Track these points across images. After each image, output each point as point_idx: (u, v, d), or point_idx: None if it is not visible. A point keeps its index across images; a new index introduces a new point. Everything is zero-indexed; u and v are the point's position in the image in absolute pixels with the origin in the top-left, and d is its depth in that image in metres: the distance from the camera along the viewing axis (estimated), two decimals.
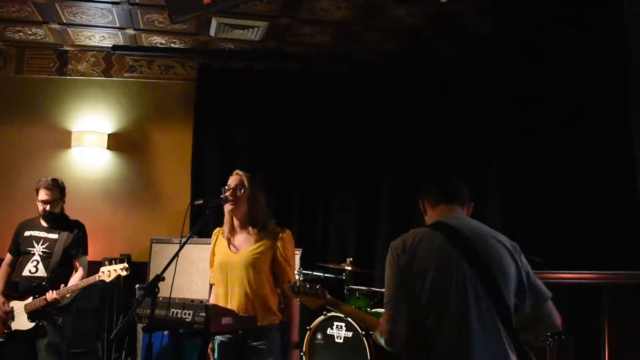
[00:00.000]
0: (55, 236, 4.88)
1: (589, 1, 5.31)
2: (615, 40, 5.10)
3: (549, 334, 2.66)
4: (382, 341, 2.52)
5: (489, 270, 2.44)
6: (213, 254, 3.68)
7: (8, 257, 4.99)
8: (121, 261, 4.77)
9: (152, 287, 2.90)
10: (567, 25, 5.52)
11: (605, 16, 5.20)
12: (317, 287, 3.17)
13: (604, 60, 5.19)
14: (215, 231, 3.72)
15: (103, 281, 4.73)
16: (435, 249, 2.48)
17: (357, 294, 5.75)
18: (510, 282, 2.47)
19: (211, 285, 3.72)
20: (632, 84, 4.98)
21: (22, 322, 4.67)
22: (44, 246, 4.84)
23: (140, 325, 5.83)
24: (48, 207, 4.86)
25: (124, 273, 4.73)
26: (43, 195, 4.85)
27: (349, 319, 5.27)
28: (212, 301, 3.58)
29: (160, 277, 2.93)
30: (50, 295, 4.60)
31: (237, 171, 3.62)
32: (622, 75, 5.04)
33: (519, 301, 2.49)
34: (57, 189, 4.92)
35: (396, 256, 2.52)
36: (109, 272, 4.69)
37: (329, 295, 3.16)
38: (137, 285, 6.02)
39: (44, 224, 4.93)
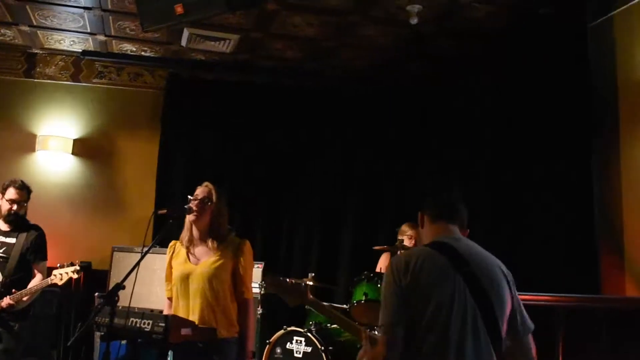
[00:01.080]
0: (13, 240, 4.81)
1: (556, 26, 5.45)
2: (581, 66, 5.26)
3: None
4: None
5: (489, 298, 2.42)
6: (170, 266, 3.62)
7: None
8: (72, 264, 4.73)
9: (112, 296, 2.89)
10: (535, 48, 5.65)
11: (571, 41, 5.36)
12: (303, 284, 3.03)
13: (570, 84, 5.33)
14: (171, 244, 3.68)
15: (55, 284, 4.69)
16: (439, 272, 2.42)
17: None
18: (505, 310, 2.46)
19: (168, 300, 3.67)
20: (595, 112, 5.16)
21: None
22: (1, 250, 4.77)
23: (98, 334, 5.77)
24: (15, 207, 4.80)
25: (75, 276, 4.71)
26: (13, 194, 4.80)
27: (306, 336, 5.28)
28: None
29: (120, 286, 2.92)
30: (6, 301, 4.53)
31: (206, 183, 3.61)
32: (587, 100, 5.20)
33: (507, 330, 2.48)
34: (26, 191, 4.90)
35: (398, 277, 2.41)
36: (61, 275, 4.65)
37: (311, 296, 2.99)
38: (96, 294, 5.96)
39: (2, 227, 4.86)
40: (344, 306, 5.60)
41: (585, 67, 5.26)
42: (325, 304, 3.10)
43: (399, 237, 5.77)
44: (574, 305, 4.42)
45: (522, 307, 2.56)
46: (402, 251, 4.63)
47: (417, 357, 2.35)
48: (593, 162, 5.19)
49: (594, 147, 5.22)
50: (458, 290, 2.39)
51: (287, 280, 2.99)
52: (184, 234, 3.58)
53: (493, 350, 2.38)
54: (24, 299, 4.62)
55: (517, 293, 2.56)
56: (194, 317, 3.37)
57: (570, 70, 5.32)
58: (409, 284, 2.38)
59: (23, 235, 4.84)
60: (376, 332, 2.85)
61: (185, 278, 3.47)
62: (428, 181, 6.70)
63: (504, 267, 2.58)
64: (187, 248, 3.56)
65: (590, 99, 5.25)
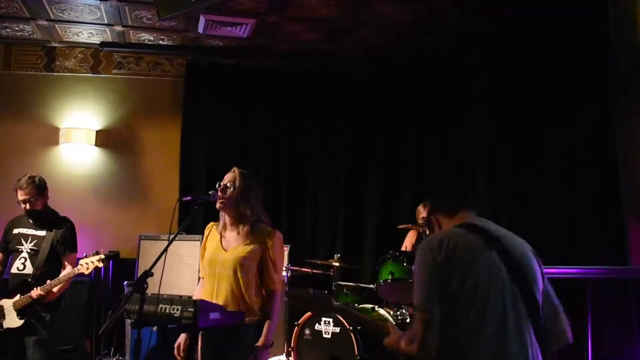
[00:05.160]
0: (43, 233, 4.86)
1: None
2: (601, 34, 5.18)
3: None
4: (412, 347, 2.34)
5: (524, 273, 2.43)
6: (204, 247, 3.65)
7: None
8: (97, 253, 4.78)
9: (141, 283, 2.91)
10: (554, 18, 5.58)
11: (590, 9, 5.27)
12: (325, 292, 2.90)
13: (590, 51, 5.26)
14: (208, 225, 3.69)
15: (82, 274, 4.74)
16: (473, 249, 2.41)
17: (344, 290, 5.78)
18: (539, 286, 2.46)
19: (199, 279, 3.71)
20: (616, 79, 5.06)
21: (12, 320, 4.65)
22: (32, 243, 4.82)
23: (128, 321, 5.86)
24: (28, 206, 4.83)
25: (100, 264, 4.75)
26: (20, 195, 4.81)
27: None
28: (197, 295, 3.57)
29: (148, 273, 2.94)
30: (35, 292, 4.59)
31: (234, 168, 3.60)
32: (607, 67, 5.12)
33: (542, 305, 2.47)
34: (33, 186, 4.81)
35: (431, 255, 2.40)
36: (87, 265, 4.70)
37: (336, 302, 2.87)
38: (125, 282, 6.04)
39: (32, 221, 4.92)
40: (371, 286, 5.62)
41: (606, 28, 5.18)
42: (351, 308, 3.04)
43: (417, 218, 5.79)
44: (603, 277, 4.40)
45: (550, 285, 2.54)
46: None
47: (457, 333, 2.33)
48: (617, 129, 5.12)
49: (615, 114, 5.15)
50: (494, 265, 2.39)
51: (311, 291, 2.88)
52: (220, 221, 3.60)
53: (531, 323, 2.38)
54: (54, 290, 4.68)
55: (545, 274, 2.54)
56: (218, 301, 3.38)
57: (590, 33, 5.25)
58: (443, 260, 2.37)
59: (53, 229, 4.88)
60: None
61: (214, 262, 3.49)
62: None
63: (530, 246, 2.57)
64: (221, 234, 3.58)
65: (611, 65, 5.18)
